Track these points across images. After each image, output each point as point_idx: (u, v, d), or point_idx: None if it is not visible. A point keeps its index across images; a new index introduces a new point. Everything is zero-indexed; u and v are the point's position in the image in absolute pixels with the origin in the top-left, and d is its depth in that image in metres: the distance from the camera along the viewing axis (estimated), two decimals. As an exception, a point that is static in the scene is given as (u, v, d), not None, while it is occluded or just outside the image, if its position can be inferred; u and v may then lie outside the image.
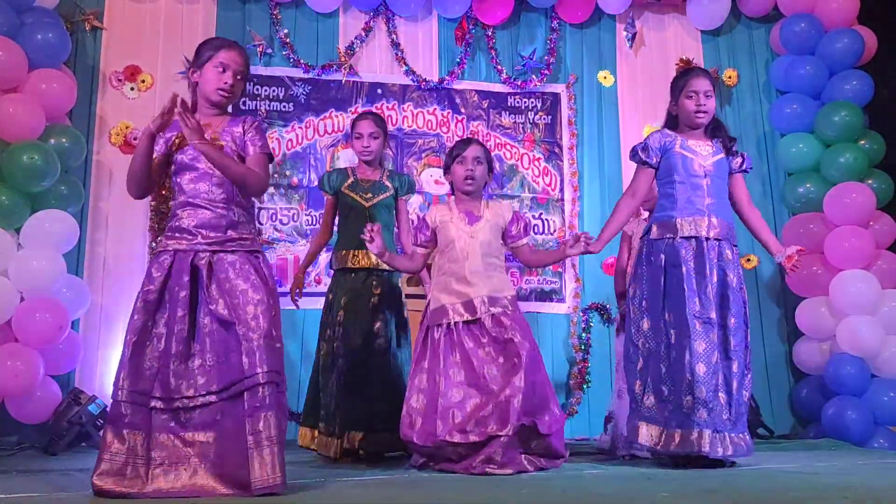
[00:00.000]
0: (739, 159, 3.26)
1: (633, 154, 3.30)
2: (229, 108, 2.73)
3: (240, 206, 2.53)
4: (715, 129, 3.27)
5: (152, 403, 2.34)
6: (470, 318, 3.07)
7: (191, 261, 2.43)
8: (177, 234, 2.48)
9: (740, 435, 3.03)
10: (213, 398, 2.34)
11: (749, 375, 3.11)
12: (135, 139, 4.61)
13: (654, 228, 3.23)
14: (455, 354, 3.06)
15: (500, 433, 2.85)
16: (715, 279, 3.10)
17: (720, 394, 3.01)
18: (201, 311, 2.41)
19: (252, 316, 2.37)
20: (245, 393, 2.31)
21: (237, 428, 2.30)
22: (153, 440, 2.32)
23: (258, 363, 2.32)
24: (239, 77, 2.59)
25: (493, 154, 4.74)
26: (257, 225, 2.72)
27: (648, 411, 3.10)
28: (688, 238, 3.13)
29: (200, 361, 2.37)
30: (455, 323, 3.08)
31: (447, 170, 3.30)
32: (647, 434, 3.08)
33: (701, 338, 3.02)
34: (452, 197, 3.35)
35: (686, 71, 3.42)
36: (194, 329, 2.41)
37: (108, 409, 2.38)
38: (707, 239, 3.12)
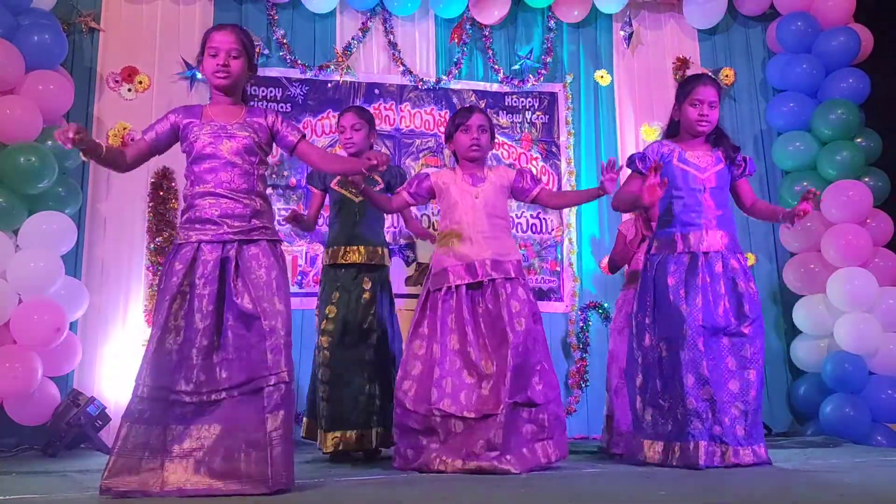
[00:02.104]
0: (742, 165, 3.24)
1: (630, 162, 3.29)
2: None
3: (260, 196, 2.54)
4: (717, 139, 3.24)
5: (172, 397, 2.33)
6: (471, 280, 3.06)
7: (218, 253, 2.42)
8: (197, 225, 2.45)
9: (754, 447, 2.98)
10: (234, 392, 2.34)
11: (762, 386, 3.08)
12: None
13: (655, 244, 3.24)
14: (452, 322, 3.05)
15: (494, 412, 2.85)
16: (724, 289, 3.08)
17: (734, 406, 2.98)
18: (226, 304, 2.40)
19: (279, 311, 2.37)
20: (265, 389, 2.31)
21: (252, 423, 2.30)
22: (170, 434, 2.31)
23: (284, 361, 2.33)
24: (234, 56, 2.54)
25: (490, 153, 4.76)
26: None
27: (649, 427, 3.09)
28: (682, 253, 3.12)
29: (224, 356, 2.37)
30: (457, 287, 3.07)
31: (449, 138, 3.29)
32: (651, 450, 3.06)
33: (688, 349, 2.99)
34: (457, 165, 3.32)
35: (695, 77, 3.34)
36: (220, 323, 2.39)
37: (128, 403, 2.36)
38: (706, 254, 3.10)
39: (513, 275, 3.08)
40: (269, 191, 4.61)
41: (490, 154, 3.49)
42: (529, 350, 2.98)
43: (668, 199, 3.20)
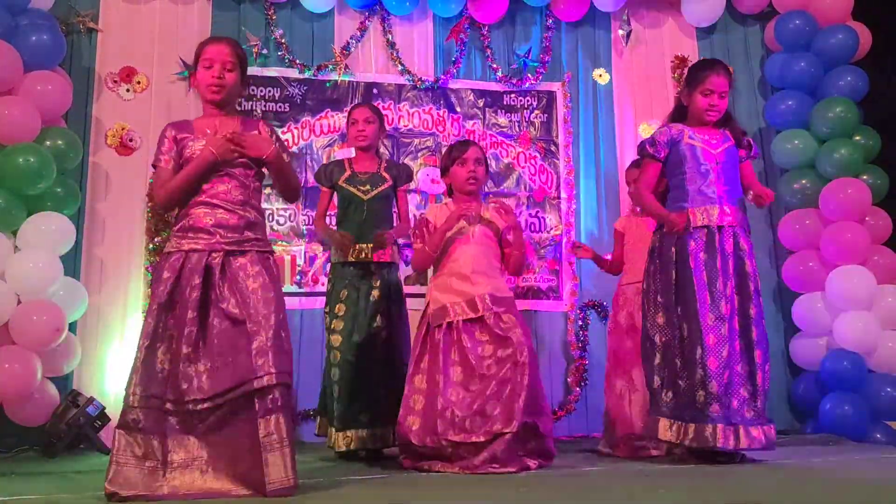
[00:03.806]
0: (747, 146, 3.29)
1: (642, 148, 3.34)
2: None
3: (254, 208, 2.52)
4: (724, 122, 3.27)
5: (166, 406, 2.32)
6: (472, 315, 3.07)
7: (204, 261, 2.40)
8: (190, 234, 2.44)
9: (762, 428, 3.00)
10: (219, 400, 2.32)
11: (768, 366, 3.09)
12: (130, 140, 4.61)
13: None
14: (454, 354, 3.06)
15: (505, 430, 2.85)
16: (732, 269, 3.09)
17: (743, 388, 2.99)
18: (212, 311, 2.39)
19: (264, 315, 2.35)
20: (256, 394, 2.30)
21: (250, 429, 2.29)
22: (168, 444, 2.30)
23: (271, 364, 2.31)
24: (229, 69, 2.54)
25: (489, 153, 4.79)
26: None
27: (667, 406, 3.09)
28: (699, 228, 3.13)
29: (209, 363, 2.35)
30: (457, 321, 3.08)
31: (445, 171, 3.32)
32: (665, 429, 3.07)
33: (712, 332, 3.01)
34: (449, 199, 3.37)
35: (707, 64, 3.31)
36: (204, 330, 2.38)
37: (120, 413, 2.36)
38: (720, 228, 3.12)
39: (511, 308, 3.13)
40: (266, 190, 4.64)
41: (488, 154, 3.52)
42: (536, 372, 3.03)
43: (679, 177, 3.22)
